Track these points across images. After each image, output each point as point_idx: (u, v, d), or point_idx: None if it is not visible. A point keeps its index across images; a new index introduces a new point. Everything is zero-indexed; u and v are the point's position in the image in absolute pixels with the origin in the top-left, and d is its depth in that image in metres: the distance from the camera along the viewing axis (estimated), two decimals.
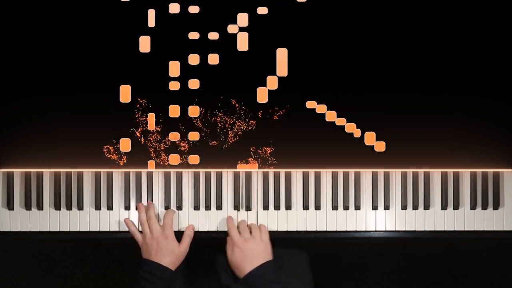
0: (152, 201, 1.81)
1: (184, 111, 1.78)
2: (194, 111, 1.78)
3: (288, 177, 1.81)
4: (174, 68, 1.77)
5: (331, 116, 1.78)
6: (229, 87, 1.77)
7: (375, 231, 1.82)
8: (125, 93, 1.77)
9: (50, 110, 1.77)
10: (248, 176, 1.81)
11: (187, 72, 1.77)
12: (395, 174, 1.82)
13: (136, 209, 1.80)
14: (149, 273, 1.68)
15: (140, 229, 1.78)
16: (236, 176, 1.81)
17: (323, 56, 1.77)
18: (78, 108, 1.77)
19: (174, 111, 1.78)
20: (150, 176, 1.81)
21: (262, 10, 1.77)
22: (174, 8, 1.77)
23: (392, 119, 1.78)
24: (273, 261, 1.71)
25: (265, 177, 1.81)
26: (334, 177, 1.82)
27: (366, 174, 1.82)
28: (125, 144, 1.77)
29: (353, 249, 2.55)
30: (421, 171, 1.81)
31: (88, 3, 1.77)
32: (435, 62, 1.78)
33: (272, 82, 1.77)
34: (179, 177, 1.81)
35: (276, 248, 1.91)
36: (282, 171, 1.81)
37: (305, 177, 1.81)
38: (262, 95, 1.77)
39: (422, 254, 2.57)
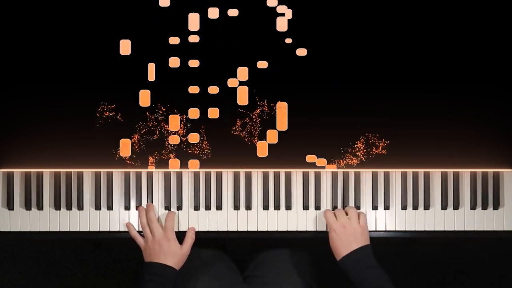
0: (152, 201, 1.81)
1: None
2: (193, 164, 1.78)
3: (288, 177, 1.81)
4: (174, 122, 1.77)
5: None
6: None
7: (375, 231, 1.82)
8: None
9: (50, 110, 1.77)
10: (248, 176, 1.81)
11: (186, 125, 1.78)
12: (395, 174, 1.82)
13: (136, 209, 1.80)
14: (156, 275, 1.68)
15: (140, 230, 1.79)
16: (236, 176, 1.81)
17: (324, 57, 1.77)
18: (78, 108, 1.77)
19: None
20: (150, 176, 1.81)
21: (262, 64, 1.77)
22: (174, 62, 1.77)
23: (392, 119, 1.78)
24: (370, 246, 1.71)
25: (265, 177, 1.81)
26: (334, 177, 1.82)
27: (366, 174, 1.82)
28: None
29: None
30: (421, 171, 1.81)
31: (88, 3, 1.77)
32: (435, 62, 1.78)
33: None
34: (179, 177, 1.81)
35: (277, 248, 1.92)
36: (282, 171, 1.81)
37: (305, 177, 1.81)
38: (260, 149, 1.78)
39: (422, 254, 2.57)
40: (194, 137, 1.78)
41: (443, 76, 1.78)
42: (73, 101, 1.77)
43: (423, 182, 1.82)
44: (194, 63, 1.77)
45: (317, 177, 1.81)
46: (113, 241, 2.54)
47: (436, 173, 1.82)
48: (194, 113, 1.78)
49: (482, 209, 1.82)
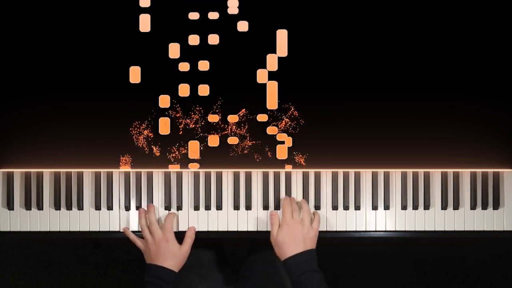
0: (152, 201, 1.81)
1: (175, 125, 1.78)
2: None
3: (288, 177, 1.81)
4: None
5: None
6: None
7: (375, 231, 1.82)
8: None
9: (50, 110, 1.77)
10: (248, 176, 1.81)
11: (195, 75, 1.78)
12: (395, 174, 1.82)
13: (137, 209, 1.80)
14: (155, 277, 1.68)
15: (138, 230, 1.79)
16: (236, 176, 1.81)
17: (324, 57, 1.77)
18: (78, 108, 1.77)
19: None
20: (150, 176, 1.81)
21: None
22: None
23: (392, 119, 1.78)
24: (315, 251, 1.70)
25: (265, 177, 1.81)
26: (334, 177, 1.82)
27: (366, 174, 1.82)
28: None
29: (353, 249, 2.55)
30: (421, 171, 1.81)
31: (88, 3, 1.77)
32: (435, 62, 1.78)
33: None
34: (179, 177, 1.81)
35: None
36: (282, 171, 1.81)
37: (305, 177, 1.81)
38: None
39: (422, 254, 2.57)
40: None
41: (443, 76, 1.78)
42: (73, 101, 1.77)
43: (423, 182, 1.82)
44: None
45: (317, 177, 1.81)
46: (113, 241, 2.54)
47: (436, 173, 1.82)
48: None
49: (482, 209, 1.82)
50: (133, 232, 1.80)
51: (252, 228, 1.82)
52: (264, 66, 1.77)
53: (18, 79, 1.76)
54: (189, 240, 1.76)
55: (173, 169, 1.79)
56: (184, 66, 1.77)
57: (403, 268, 2.57)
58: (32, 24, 1.76)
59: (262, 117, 1.77)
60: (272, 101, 1.77)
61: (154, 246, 1.72)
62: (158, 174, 1.81)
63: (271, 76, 1.77)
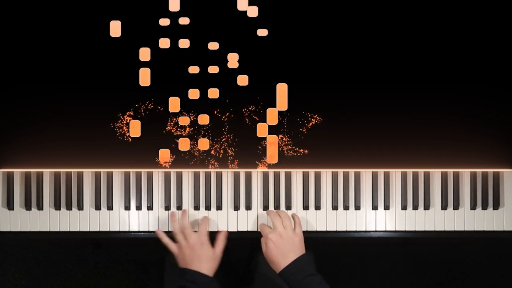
0: (152, 201, 1.81)
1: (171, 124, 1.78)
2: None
3: (288, 177, 1.81)
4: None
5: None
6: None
7: (375, 231, 1.82)
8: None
9: (50, 110, 1.77)
10: (248, 176, 1.81)
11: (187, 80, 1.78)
12: (395, 174, 1.82)
13: (137, 209, 1.80)
14: (190, 281, 1.67)
15: (137, 230, 1.79)
16: (236, 176, 1.81)
17: (324, 57, 1.77)
18: (78, 108, 1.77)
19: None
20: (150, 176, 1.81)
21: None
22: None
23: (392, 119, 1.78)
24: (306, 255, 1.69)
25: (265, 177, 1.81)
26: (334, 177, 1.82)
27: (366, 174, 1.82)
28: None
29: (353, 249, 2.55)
30: (421, 171, 1.81)
31: (88, 3, 1.76)
32: (435, 62, 1.78)
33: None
34: (179, 177, 1.81)
35: None
36: (282, 171, 1.81)
37: (305, 177, 1.81)
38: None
39: (422, 254, 2.57)
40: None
41: (443, 76, 1.78)
42: (73, 101, 1.77)
43: (423, 182, 1.82)
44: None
45: (317, 177, 1.81)
46: (113, 241, 2.54)
47: (436, 173, 1.82)
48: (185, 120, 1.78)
49: (482, 209, 1.82)
50: (134, 232, 1.80)
51: (252, 228, 1.82)
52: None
53: (18, 79, 1.76)
54: (221, 244, 1.75)
55: (174, 169, 1.79)
56: (184, 120, 1.77)
57: (403, 268, 2.56)
58: (32, 24, 1.76)
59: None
60: (273, 156, 1.77)
61: (189, 250, 1.71)
62: (158, 174, 1.81)
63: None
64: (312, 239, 1.82)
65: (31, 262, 2.56)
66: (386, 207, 1.82)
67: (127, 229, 1.80)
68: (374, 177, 1.81)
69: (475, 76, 1.78)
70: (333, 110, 1.78)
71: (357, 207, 1.81)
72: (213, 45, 1.77)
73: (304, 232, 1.81)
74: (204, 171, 1.80)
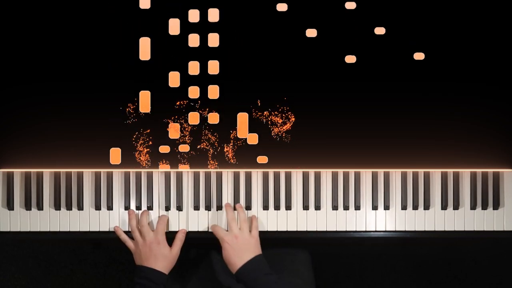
0: (152, 201, 1.81)
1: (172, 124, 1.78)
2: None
3: (288, 177, 1.81)
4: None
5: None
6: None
7: (375, 231, 1.82)
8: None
9: (50, 110, 1.77)
10: (248, 176, 1.81)
11: (186, 80, 1.78)
12: (395, 174, 1.82)
13: (137, 209, 1.80)
14: (145, 278, 1.69)
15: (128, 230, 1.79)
16: (236, 176, 1.81)
17: (325, 57, 1.78)
18: (78, 108, 1.77)
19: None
20: (150, 176, 1.81)
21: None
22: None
23: (392, 119, 1.78)
24: (262, 256, 1.72)
25: (265, 177, 1.81)
26: (334, 177, 1.82)
27: (366, 174, 1.82)
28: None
29: (353, 249, 2.55)
30: (421, 171, 1.81)
31: (88, 3, 1.76)
32: (435, 62, 1.78)
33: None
34: (179, 177, 1.81)
35: (277, 248, 1.92)
36: (282, 171, 1.81)
37: (305, 177, 1.81)
38: None
39: (422, 254, 2.57)
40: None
41: (444, 76, 1.78)
42: (72, 101, 1.77)
43: (423, 182, 1.82)
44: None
45: (317, 177, 1.81)
46: (113, 241, 2.52)
47: (436, 173, 1.82)
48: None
49: (482, 209, 1.82)
50: (125, 232, 1.80)
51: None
52: None
53: (18, 79, 1.76)
54: (179, 242, 1.76)
55: (174, 169, 1.79)
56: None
57: (403, 268, 2.56)
58: (32, 24, 1.76)
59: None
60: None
61: (145, 248, 1.73)
62: (158, 174, 1.81)
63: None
64: (312, 239, 1.82)
65: (31, 262, 2.56)
66: (386, 207, 1.82)
67: (127, 229, 1.80)
68: (374, 177, 1.81)
69: (475, 76, 1.78)
70: (333, 110, 1.78)
71: (357, 207, 1.81)
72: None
73: (304, 232, 1.82)
74: (204, 171, 1.80)
